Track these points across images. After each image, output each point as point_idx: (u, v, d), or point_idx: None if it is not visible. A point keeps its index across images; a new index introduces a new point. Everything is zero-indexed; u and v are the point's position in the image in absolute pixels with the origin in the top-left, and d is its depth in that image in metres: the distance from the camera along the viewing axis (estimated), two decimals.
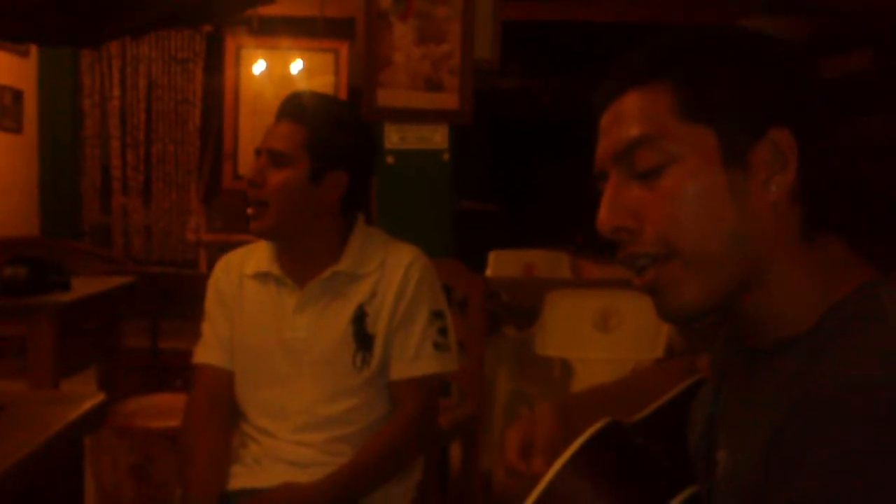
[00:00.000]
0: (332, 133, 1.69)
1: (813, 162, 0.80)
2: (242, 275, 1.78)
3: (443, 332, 1.74)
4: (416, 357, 1.71)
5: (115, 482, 2.43)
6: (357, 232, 1.76)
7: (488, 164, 8.20)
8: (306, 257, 1.73)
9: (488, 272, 4.92)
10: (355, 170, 1.72)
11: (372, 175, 1.80)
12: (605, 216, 0.84)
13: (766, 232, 0.80)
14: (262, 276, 1.76)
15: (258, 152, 1.72)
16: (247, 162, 5.86)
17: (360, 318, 1.70)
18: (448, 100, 3.51)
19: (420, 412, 1.72)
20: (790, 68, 0.83)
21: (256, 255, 1.78)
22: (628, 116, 0.84)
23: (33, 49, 5.78)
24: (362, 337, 1.70)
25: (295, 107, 1.72)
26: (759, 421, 0.77)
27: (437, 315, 1.74)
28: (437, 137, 3.59)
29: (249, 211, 1.69)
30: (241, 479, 1.67)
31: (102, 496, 2.47)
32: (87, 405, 1.52)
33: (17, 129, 5.73)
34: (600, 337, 3.17)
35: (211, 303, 1.80)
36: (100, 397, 1.58)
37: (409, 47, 3.50)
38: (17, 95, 5.71)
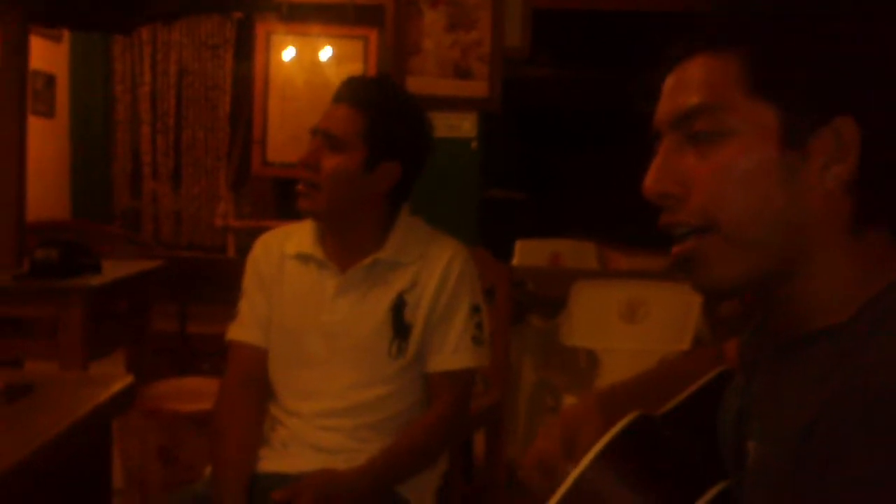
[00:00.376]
0: (391, 123, 1.68)
1: (873, 154, 0.77)
2: (283, 254, 1.77)
3: (480, 326, 1.75)
4: (455, 350, 1.71)
5: (142, 464, 2.46)
6: (401, 221, 1.75)
7: (516, 153, 8.17)
8: (350, 242, 1.72)
9: (515, 261, 4.92)
10: (409, 161, 1.71)
11: (424, 166, 1.77)
12: (652, 181, 0.83)
13: (814, 220, 0.78)
14: (303, 258, 1.75)
15: (314, 132, 1.70)
16: (276, 148, 5.88)
17: (398, 307, 1.69)
18: (477, 87, 3.51)
19: (457, 405, 1.72)
20: (869, 52, 0.79)
21: (298, 236, 1.78)
22: (692, 82, 0.82)
23: (66, 34, 5.84)
24: (400, 326, 1.69)
25: (356, 92, 1.70)
26: (790, 412, 0.76)
27: (475, 309, 1.74)
28: (465, 126, 3.59)
29: (300, 188, 1.68)
30: (269, 462, 1.68)
31: (130, 477, 2.50)
32: (116, 387, 1.54)
33: (50, 113, 5.80)
34: (627, 328, 3.15)
35: (249, 280, 1.79)
36: (128, 380, 1.59)
37: (439, 34, 3.50)
38: (50, 80, 5.77)
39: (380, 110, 1.68)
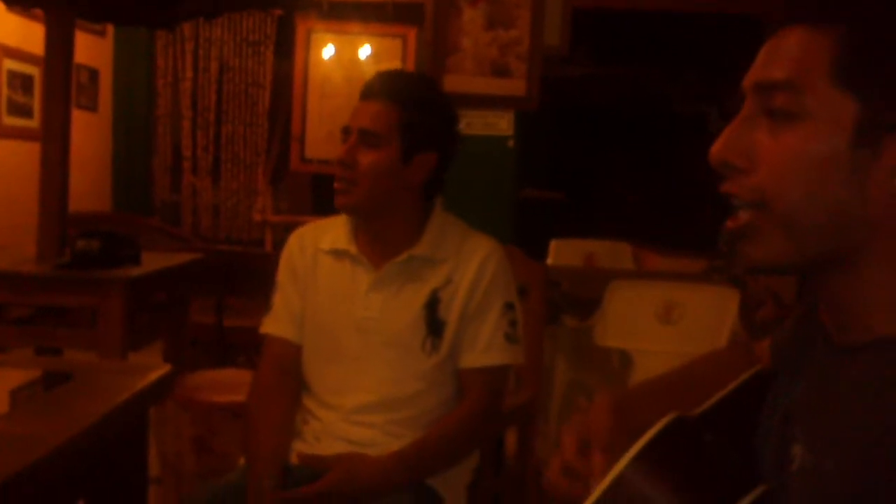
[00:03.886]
0: (424, 114, 1.68)
1: None
2: (317, 249, 1.78)
3: (513, 324, 1.74)
4: (487, 347, 1.71)
5: (177, 453, 2.49)
6: (435, 217, 1.76)
7: (552, 152, 8.15)
8: (385, 238, 1.73)
9: (549, 261, 4.90)
10: (443, 150, 1.72)
11: (455, 156, 1.77)
12: (719, 148, 0.81)
13: (874, 220, 0.76)
14: (337, 253, 1.76)
15: (347, 131, 1.70)
16: (314, 145, 5.92)
17: (433, 304, 1.70)
18: (515, 86, 3.50)
19: (488, 401, 1.72)
20: None
21: (333, 232, 1.78)
22: (784, 54, 0.79)
23: (110, 29, 5.92)
24: (434, 322, 1.70)
25: (387, 86, 1.70)
26: (849, 420, 0.74)
27: (509, 307, 1.74)
28: (502, 124, 3.59)
29: (337, 186, 1.69)
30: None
31: (165, 465, 2.54)
32: (154, 376, 1.56)
33: (93, 107, 5.88)
34: (662, 329, 3.13)
35: (283, 274, 1.80)
36: (166, 369, 1.61)
37: (478, 33, 3.50)
38: (94, 74, 5.85)
39: (412, 102, 1.68)
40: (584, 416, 1.02)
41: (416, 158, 1.68)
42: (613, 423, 0.99)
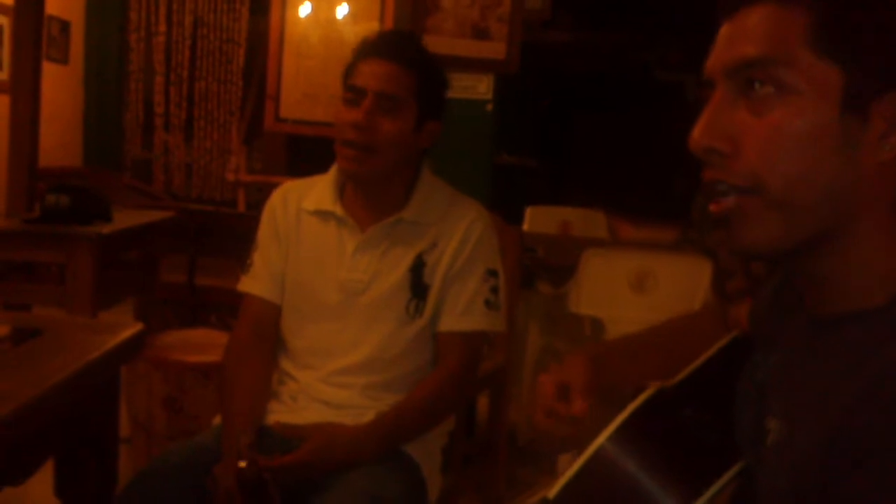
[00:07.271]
0: (437, 81, 1.68)
1: None
2: (300, 209, 1.76)
3: (495, 290, 1.73)
4: (466, 311, 1.70)
5: (148, 411, 2.47)
6: (423, 180, 1.74)
7: (530, 119, 8.12)
8: (374, 200, 1.72)
9: (524, 227, 4.90)
10: (443, 119, 1.72)
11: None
12: (700, 134, 0.78)
13: (862, 190, 0.74)
14: (322, 214, 1.74)
15: (355, 90, 1.63)
16: (289, 104, 5.83)
17: (418, 267, 1.69)
18: (495, 48, 3.47)
19: (464, 366, 1.71)
20: None
21: (317, 191, 1.76)
22: (754, 32, 0.76)
23: None
24: (418, 286, 1.69)
25: (400, 48, 1.66)
26: (821, 395, 0.73)
27: (491, 273, 1.73)
28: (481, 87, 3.56)
29: (348, 152, 1.63)
30: (278, 415, 1.68)
31: (135, 424, 2.52)
32: (126, 334, 1.54)
33: (64, 60, 5.76)
34: (635, 297, 3.15)
35: (265, 233, 1.78)
36: (137, 327, 1.60)
37: None
38: (65, 26, 5.73)
39: (426, 67, 1.66)
40: (561, 367, 1.02)
41: (426, 126, 1.67)
42: (592, 377, 0.99)
